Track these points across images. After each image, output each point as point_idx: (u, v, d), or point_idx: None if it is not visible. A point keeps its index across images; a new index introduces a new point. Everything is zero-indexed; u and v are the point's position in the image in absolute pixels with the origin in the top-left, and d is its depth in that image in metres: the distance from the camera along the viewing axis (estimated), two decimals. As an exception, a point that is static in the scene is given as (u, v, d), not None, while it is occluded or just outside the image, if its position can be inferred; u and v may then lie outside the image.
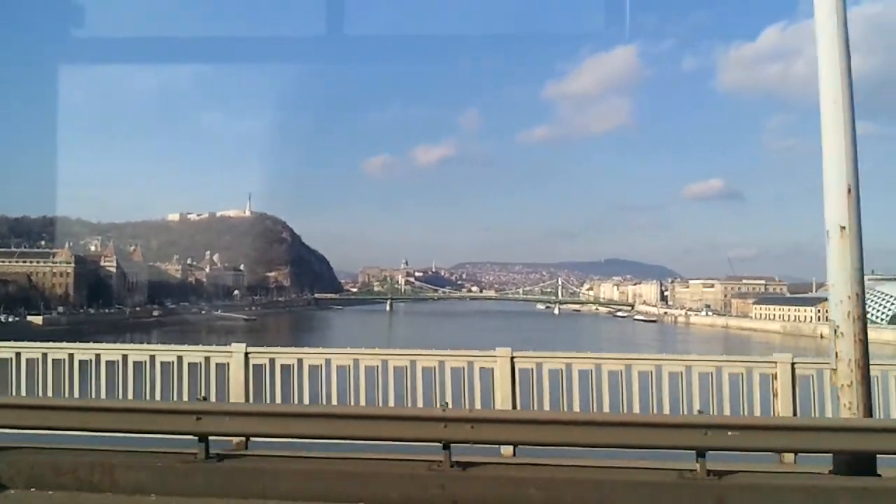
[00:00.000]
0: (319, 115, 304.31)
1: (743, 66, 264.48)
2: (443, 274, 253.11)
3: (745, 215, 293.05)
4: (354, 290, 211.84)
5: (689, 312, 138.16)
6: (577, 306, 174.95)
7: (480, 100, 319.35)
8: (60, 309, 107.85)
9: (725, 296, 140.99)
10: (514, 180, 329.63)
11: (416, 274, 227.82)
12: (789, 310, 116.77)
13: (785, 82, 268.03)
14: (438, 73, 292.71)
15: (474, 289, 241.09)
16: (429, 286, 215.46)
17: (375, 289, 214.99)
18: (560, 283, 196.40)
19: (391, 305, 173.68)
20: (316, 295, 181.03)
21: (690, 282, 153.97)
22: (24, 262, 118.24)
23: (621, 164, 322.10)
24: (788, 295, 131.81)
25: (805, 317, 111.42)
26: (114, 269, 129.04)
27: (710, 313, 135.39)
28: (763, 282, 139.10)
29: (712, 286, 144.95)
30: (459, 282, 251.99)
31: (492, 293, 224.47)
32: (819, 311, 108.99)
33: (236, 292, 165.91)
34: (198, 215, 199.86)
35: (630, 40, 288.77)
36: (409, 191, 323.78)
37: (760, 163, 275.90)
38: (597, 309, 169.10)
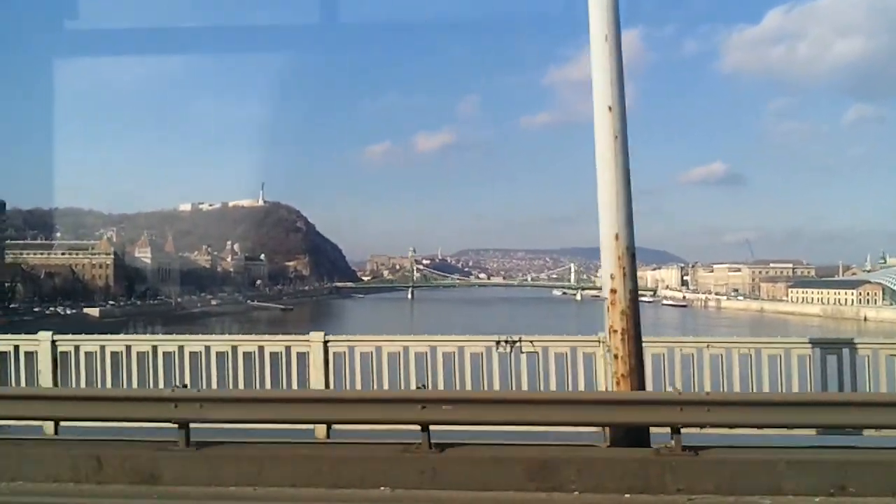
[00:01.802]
0: (318, 104, 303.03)
1: (746, 49, 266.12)
2: (449, 261, 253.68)
3: (746, 199, 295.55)
4: (367, 278, 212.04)
5: (718, 296, 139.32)
6: (595, 292, 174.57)
7: (481, 86, 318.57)
8: (120, 301, 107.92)
9: (753, 280, 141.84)
10: (515, 166, 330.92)
11: (424, 262, 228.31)
12: (828, 293, 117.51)
13: (787, 65, 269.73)
14: (438, 60, 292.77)
15: (482, 275, 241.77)
16: (438, 273, 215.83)
17: (386, 276, 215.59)
18: (573, 268, 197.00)
19: (412, 293, 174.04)
20: (336, 284, 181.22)
21: (715, 266, 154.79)
22: (64, 254, 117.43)
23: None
24: (816, 278, 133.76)
25: (846, 300, 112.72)
26: (148, 260, 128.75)
27: (740, 297, 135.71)
28: (791, 265, 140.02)
29: (739, 270, 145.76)
30: (466, 269, 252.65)
31: (499, 279, 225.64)
32: (861, 294, 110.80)
33: (259, 282, 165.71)
34: (210, 205, 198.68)
35: (633, 24, 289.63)
36: (409, 178, 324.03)
37: (762, 146, 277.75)
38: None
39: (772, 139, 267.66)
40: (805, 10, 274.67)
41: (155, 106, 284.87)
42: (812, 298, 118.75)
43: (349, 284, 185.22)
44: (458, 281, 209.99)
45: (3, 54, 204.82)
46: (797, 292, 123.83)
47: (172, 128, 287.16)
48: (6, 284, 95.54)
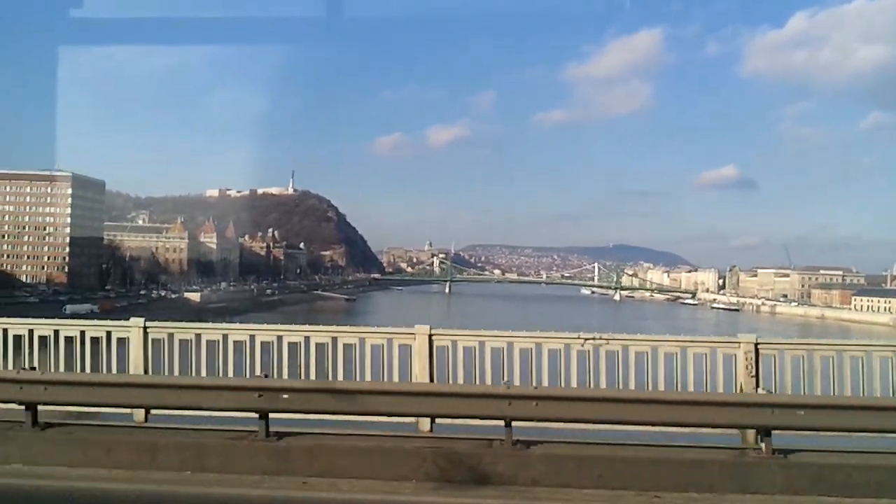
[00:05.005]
0: (335, 95, 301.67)
1: (767, 52, 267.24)
2: (462, 255, 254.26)
3: (755, 204, 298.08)
4: (389, 270, 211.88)
5: (770, 301, 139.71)
6: (628, 292, 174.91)
7: (497, 81, 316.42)
8: (222, 286, 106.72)
9: (803, 286, 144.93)
10: (526, 163, 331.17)
11: (440, 255, 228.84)
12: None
13: (808, 69, 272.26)
14: (456, 54, 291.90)
15: (496, 271, 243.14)
16: (455, 267, 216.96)
17: (406, 269, 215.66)
18: (597, 268, 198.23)
19: (449, 287, 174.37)
20: (374, 275, 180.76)
21: (759, 270, 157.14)
22: (137, 236, 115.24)
23: (636, 149, 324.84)
24: (866, 286, 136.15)
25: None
26: (214, 246, 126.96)
27: (792, 303, 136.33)
28: (841, 272, 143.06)
29: (787, 275, 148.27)
30: (479, 264, 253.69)
31: (513, 276, 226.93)
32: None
33: (299, 270, 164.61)
34: (238, 192, 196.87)
35: (655, 23, 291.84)
36: (421, 171, 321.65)
37: (776, 151, 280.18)
38: (651, 295, 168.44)
39: (787, 145, 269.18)
40: (831, 14, 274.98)
41: (176, 94, 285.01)
42: (880, 307, 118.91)
43: (385, 276, 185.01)
44: (494, 276, 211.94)
45: (14, 42, 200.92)
46: (861, 300, 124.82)
47: (192, 116, 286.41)
48: (103, 266, 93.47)
